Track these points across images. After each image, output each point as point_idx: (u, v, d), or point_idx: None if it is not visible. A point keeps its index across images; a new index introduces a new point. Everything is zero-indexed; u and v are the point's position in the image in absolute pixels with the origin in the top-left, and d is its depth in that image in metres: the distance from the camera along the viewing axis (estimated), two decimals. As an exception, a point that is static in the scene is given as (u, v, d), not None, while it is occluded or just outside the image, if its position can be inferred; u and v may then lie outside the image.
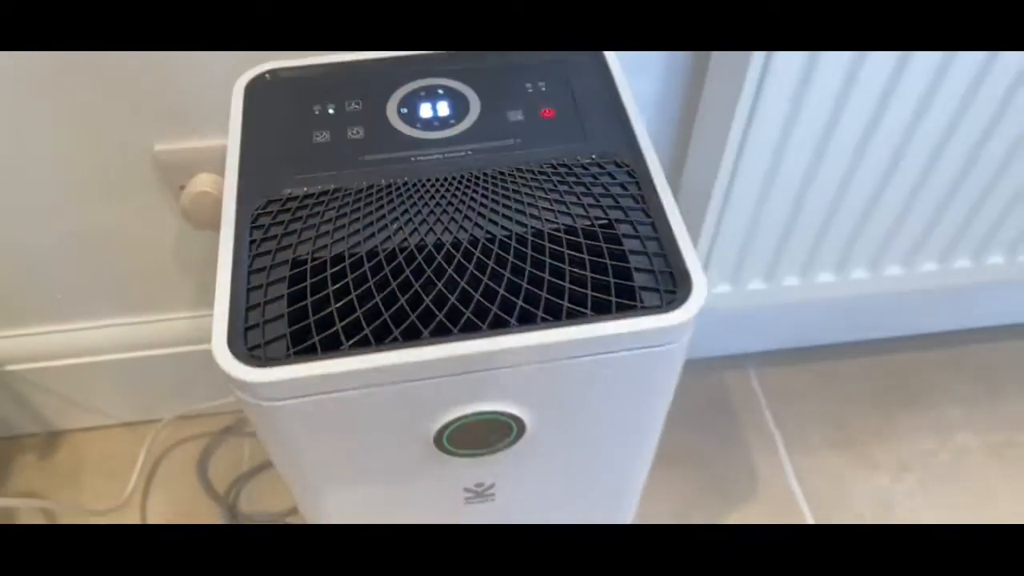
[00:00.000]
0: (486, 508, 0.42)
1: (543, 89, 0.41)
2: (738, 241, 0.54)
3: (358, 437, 0.34)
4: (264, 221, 0.35)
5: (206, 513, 0.67)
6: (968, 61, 0.45)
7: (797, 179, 0.50)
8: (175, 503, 0.68)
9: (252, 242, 0.34)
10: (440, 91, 0.40)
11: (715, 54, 0.47)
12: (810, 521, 0.67)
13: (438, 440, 0.35)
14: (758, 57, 0.42)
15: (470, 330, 0.31)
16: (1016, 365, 0.77)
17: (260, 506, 0.68)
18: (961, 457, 0.71)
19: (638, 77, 0.52)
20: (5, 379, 0.66)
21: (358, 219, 0.35)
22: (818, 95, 0.45)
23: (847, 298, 0.73)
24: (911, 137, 0.49)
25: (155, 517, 0.67)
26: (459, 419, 0.34)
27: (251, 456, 0.71)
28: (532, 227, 0.34)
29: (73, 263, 0.58)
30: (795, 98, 0.45)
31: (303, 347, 0.31)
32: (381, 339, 0.31)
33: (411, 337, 0.31)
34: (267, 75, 0.41)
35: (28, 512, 0.68)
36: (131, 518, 0.67)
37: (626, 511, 0.48)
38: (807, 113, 0.46)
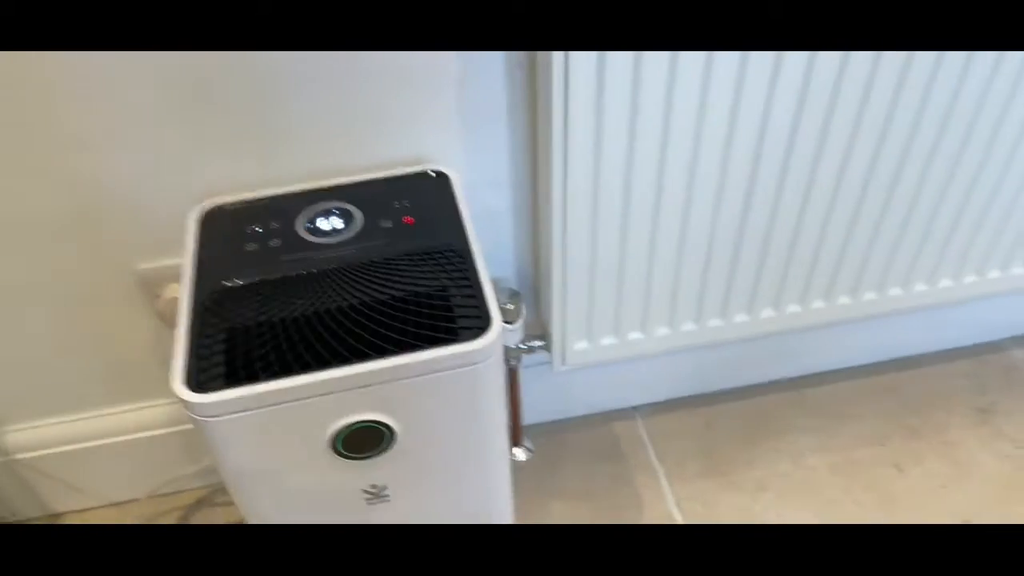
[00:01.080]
0: (385, 508, 0.56)
1: (407, 205, 0.59)
2: (583, 305, 0.71)
3: (274, 446, 0.49)
4: (210, 304, 0.51)
5: None
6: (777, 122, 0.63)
7: (614, 254, 0.68)
8: (155, 565, 0.81)
9: (200, 318, 0.50)
10: (335, 211, 0.58)
11: (541, 171, 0.66)
12: (688, 538, 0.81)
13: (333, 445, 0.50)
14: (558, 167, 0.61)
15: (345, 362, 0.48)
16: (849, 399, 0.93)
17: (227, 562, 0.81)
18: (810, 475, 0.86)
19: (499, 191, 0.70)
20: (14, 467, 0.80)
21: (274, 298, 0.51)
22: (607, 193, 0.64)
23: (703, 351, 0.90)
24: (692, 200, 0.67)
25: (138, 576, 0.80)
26: (345, 427, 0.49)
27: (223, 520, 0.84)
28: (391, 294, 0.51)
29: (72, 361, 0.74)
30: (592, 200, 0.64)
31: (232, 380, 0.47)
32: (287, 372, 0.47)
33: (305, 369, 0.47)
34: (214, 208, 0.59)
35: None
36: None
37: (503, 511, 0.63)
38: (604, 201, 0.64)
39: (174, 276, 0.68)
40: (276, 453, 0.50)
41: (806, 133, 0.64)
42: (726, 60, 0.57)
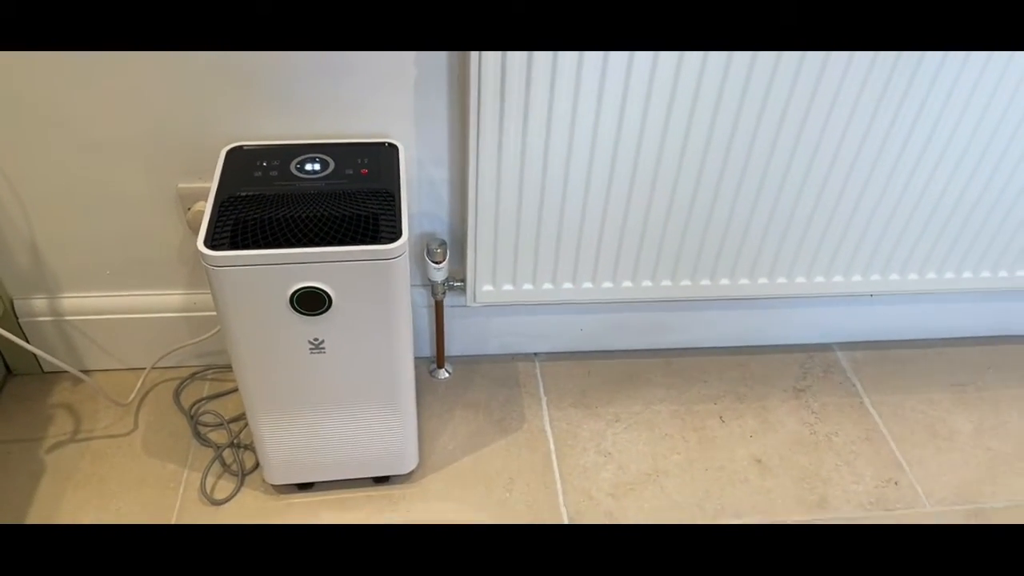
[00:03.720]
0: (323, 358, 0.84)
1: (365, 161, 0.87)
2: (489, 257, 0.99)
3: (253, 295, 0.77)
4: (226, 204, 0.80)
5: (175, 419, 1.08)
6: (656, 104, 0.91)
7: (512, 220, 0.96)
8: (157, 413, 1.09)
9: (219, 211, 0.79)
10: (316, 159, 0.86)
11: (471, 155, 0.94)
12: (552, 447, 1.08)
13: (291, 302, 0.78)
14: (472, 151, 0.89)
15: (304, 245, 0.76)
16: (702, 369, 1.20)
17: (211, 418, 1.08)
18: (655, 416, 1.13)
19: (440, 167, 0.99)
20: (63, 327, 1.08)
21: (267, 205, 0.80)
22: (507, 173, 0.92)
23: (593, 317, 1.17)
24: (568, 183, 0.95)
25: (143, 417, 1.07)
26: (299, 289, 0.77)
27: (209, 390, 1.12)
28: (342, 212, 0.79)
29: (120, 252, 1.02)
30: (496, 179, 0.92)
31: (233, 246, 0.75)
32: (268, 246, 0.75)
33: (279, 246, 0.75)
34: (237, 148, 0.88)
35: (61, 416, 1.08)
36: (127, 419, 1.07)
37: (405, 374, 0.90)
38: (505, 180, 0.92)
39: (202, 195, 0.97)
40: (254, 301, 0.78)
41: (674, 127, 0.92)
42: (593, 64, 0.83)
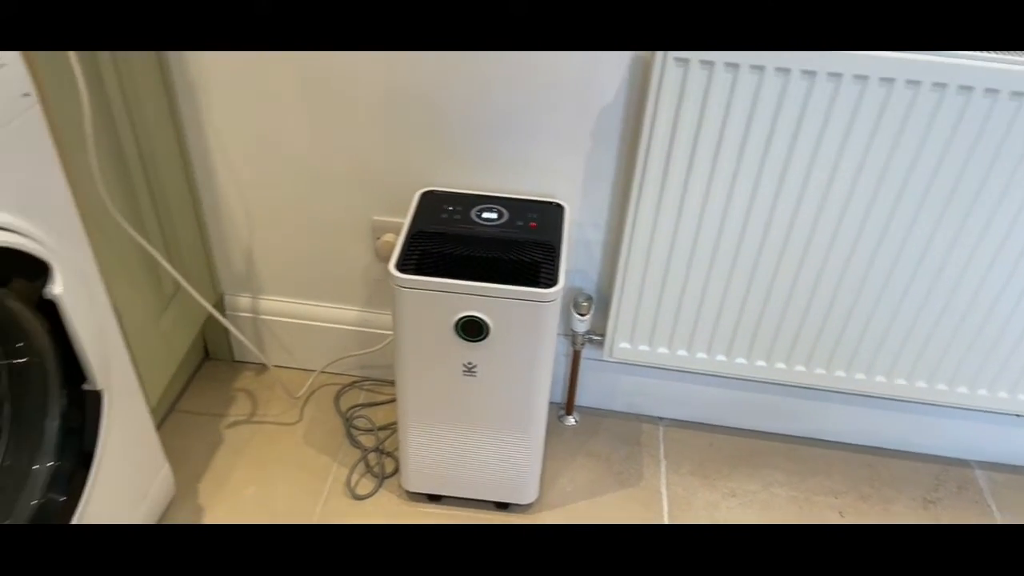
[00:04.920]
0: (473, 381, 0.95)
1: (535, 216, 0.99)
2: (630, 317, 1.07)
3: (427, 315, 0.89)
4: (415, 237, 0.93)
5: (333, 419, 1.22)
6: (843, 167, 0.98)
7: (656, 288, 1.04)
8: (319, 411, 1.24)
9: (409, 242, 0.93)
10: (494, 209, 0.99)
11: (627, 231, 1.03)
12: (665, 508, 1.12)
13: (456, 328, 0.90)
14: (632, 212, 0.99)
15: (475, 280, 0.87)
16: (827, 462, 1.20)
17: (363, 423, 1.22)
18: (772, 498, 1.14)
19: (597, 230, 1.09)
20: (258, 324, 1.27)
21: (448, 241, 0.93)
22: (658, 248, 1.00)
23: (723, 392, 1.22)
24: (715, 262, 1.02)
25: (308, 412, 1.23)
26: (464, 317, 0.89)
27: (364, 398, 1.26)
28: (509, 257, 0.91)
29: (315, 267, 1.19)
30: (652, 232, 1.00)
31: (418, 272, 0.88)
32: (446, 276, 0.88)
33: (454, 278, 0.87)
34: (429, 191, 1.02)
35: (242, 399, 1.25)
36: (295, 411, 1.23)
37: (539, 419, 0.99)
38: (655, 253, 1.00)
39: (391, 228, 1.12)
40: (426, 321, 0.90)
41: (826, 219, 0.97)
42: (759, 133, 0.92)
